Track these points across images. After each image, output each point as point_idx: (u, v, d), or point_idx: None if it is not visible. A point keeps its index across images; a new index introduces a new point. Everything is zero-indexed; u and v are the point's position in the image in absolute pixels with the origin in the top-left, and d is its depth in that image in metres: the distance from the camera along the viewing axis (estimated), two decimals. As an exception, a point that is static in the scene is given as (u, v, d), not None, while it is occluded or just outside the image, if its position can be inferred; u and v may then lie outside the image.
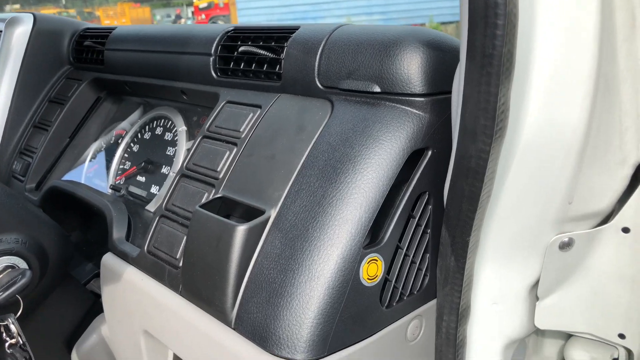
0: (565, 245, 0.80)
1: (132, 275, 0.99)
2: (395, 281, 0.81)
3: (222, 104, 1.04)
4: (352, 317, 0.75)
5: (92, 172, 1.41)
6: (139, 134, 1.36)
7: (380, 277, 0.77)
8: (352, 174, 0.77)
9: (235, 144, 0.95)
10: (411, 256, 0.82)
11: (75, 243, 1.34)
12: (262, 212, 0.83)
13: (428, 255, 0.86)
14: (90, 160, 1.44)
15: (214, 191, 0.92)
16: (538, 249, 0.82)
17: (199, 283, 0.85)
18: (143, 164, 1.24)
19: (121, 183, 1.28)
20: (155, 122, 1.32)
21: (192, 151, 1.02)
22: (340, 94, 0.87)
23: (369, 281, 0.76)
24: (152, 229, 0.99)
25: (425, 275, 0.86)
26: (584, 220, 0.80)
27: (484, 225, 0.81)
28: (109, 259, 1.05)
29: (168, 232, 0.95)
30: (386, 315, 0.80)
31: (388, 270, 0.79)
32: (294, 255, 0.76)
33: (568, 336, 0.99)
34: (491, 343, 0.90)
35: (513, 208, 0.80)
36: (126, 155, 1.35)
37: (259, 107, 0.97)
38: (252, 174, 0.89)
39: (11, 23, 1.49)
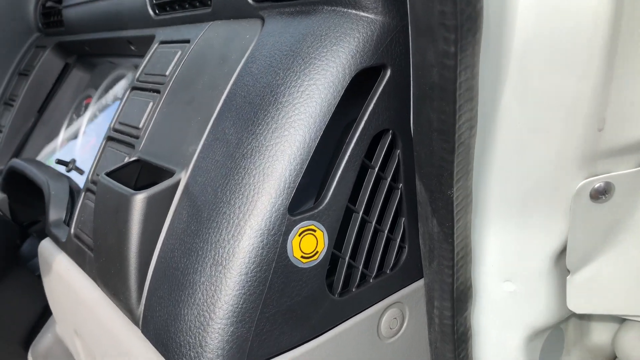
0: (599, 193, 0.54)
1: (62, 264, 0.82)
2: (353, 258, 0.58)
3: (155, 46, 0.83)
4: (284, 313, 0.53)
5: (64, 150, 1.26)
6: (103, 100, 1.18)
7: (322, 254, 0.54)
8: (274, 111, 0.54)
9: (159, 92, 0.74)
10: (373, 222, 0.59)
11: (40, 230, 1.20)
12: (172, 174, 0.62)
13: (404, 219, 0.62)
14: (63, 136, 1.29)
15: (133, 153, 0.72)
16: (561, 200, 0.56)
17: (105, 271, 0.65)
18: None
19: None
20: (116, 84, 1.14)
21: (119, 108, 0.82)
22: (273, 7, 0.64)
23: (305, 260, 0.53)
24: (77, 208, 0.81)
25: (401, 247, 0.62)
26: (624, 155, 0.53)
27: (474, 171, 0.56)
28: (45, 246, 0.89)
29: (91, 210, 0.76)
30: (341, 306, 0.57)
31: (339, 244, 0.56)
32: (199, 231, 0.55)
33: (621, 320, 0.72)
34: (507, 335, 0.66)
35: (516, 142, 0.54)
36: (91, 125, 1.18)
37: (187, 42, 0.75)
38: (169, 126, 0.68)
39: (-31, -9, 1.35)
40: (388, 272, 0.61)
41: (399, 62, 0.56)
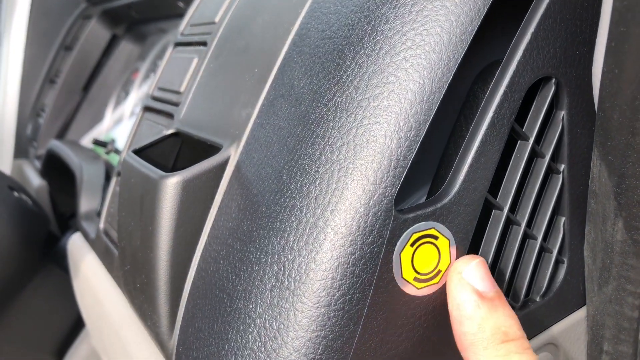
0: None
1: (90, 266, 0.66)
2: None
3: (204, -9, 0.65)
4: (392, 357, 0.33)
5: (110, 130, 1.11)
6: (152, 73, 1.02)
7: (446, 272, 0.34)
8: (371, 46, 0.34)
9: (205, 44, 0.56)
10: (523, 224, 0.38)
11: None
12: (218, 150, 0.43)
13: (564, 220, 0.40)
14: (109, 116, 1.15)
15: (172, 125, 0.54)
16: None
17: (131, 283, 0.48)
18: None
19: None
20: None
21: (158, 72, 0.64)
22: None
23: (421, 285, 0.33)
24: (108, 196, 0.64)
25: (558, 262, 0.41)
26: None
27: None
28: (75, 242, 0.73)
29: (121, 199, 0.59)
30: (471, 353, 0.36)
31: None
32: (254, 234, 0.36)
33: None
34: None
35: None
36: (138, 102, 1.03)
37: (243, -23, 0.56)
38: (217, 86, 0.50)
39: (12, -43, 1.23)
40: (538, 299, 0.40)
41: (574, -33, 0.35)
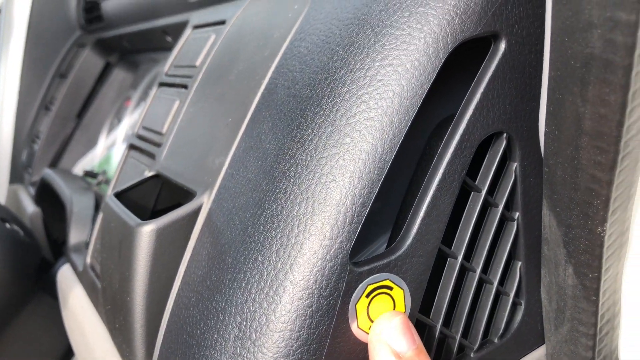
0: None
1: (77, 299, 0.68)
2: (446, 325, 0.39)
3: (188, 32, 0.67)
4: (344, 411, 0.35)
5: (101, 158, 1.13)
6: (142, 102, 1.05)
7: (402, 323, 0.36)
8: (329, 107, 0.36)
9: (186, 87, 0.58)
10: (478, 270, 0.40)
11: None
12: (193, 196, 0.45)
13: (520, 265, 0.42)
14: (102, 143, 1.17)
15: (154, 166, 0.56)
16: None
17: (112, 322, 0.50)
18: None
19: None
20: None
21: (143, 110, 0.67)
22: (330, -33, 0.46)
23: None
24: (94, 230, 0.66)
25: (515, 304, 0.43)
26: None
27: (637, 196, 0.36)
28: (64, 274, 0.75)
29: (107, 235, 0.61)
30: (430, 395, 0.38)
31: (425, 305, 0.38)
32: (221, 284, 0.38)
33: None
34: None
35: None
36: (129, 131, 1.05)
37: (223, 23, 0.59)
38: (195, 131, 0.52)
39: (9, -13, 1.26)
40: (496, 340, 0.42)
41: (519, 30, 0.37)
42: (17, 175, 1.25)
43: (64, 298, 0.72)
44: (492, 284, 0.40)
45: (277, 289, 0.34)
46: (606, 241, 0.36)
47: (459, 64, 0.39)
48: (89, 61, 1.18)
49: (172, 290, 0.43)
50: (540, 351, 0.45)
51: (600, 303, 0.40)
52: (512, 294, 0.42)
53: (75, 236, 0.76)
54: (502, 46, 0.36)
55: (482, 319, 0.40)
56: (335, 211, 0.34)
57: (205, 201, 0.43)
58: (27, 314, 0.85)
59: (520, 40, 0.37)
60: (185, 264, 0.43)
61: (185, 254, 0.43)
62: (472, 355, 0.40)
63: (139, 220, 0.44)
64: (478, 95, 0.36)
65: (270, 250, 0.35)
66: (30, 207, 1.09)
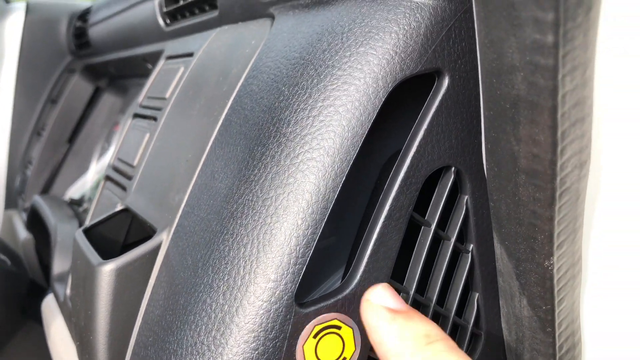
0: None
1: (58, 330, 0.68)
2: None
3: (161, 63, 0.68)
4: None
5: (90, 185, 1.14)
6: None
7: (351, 359, 0.36)
8: (274, 148, 0.37)
9: (156, 119, 0.59)
10: (432, 303, 0.40)
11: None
12: (153, 234, 0.46)
13: (477, 295, 0.42)
14: (93, 168, 1.18)
15: (125, 199, 0.57)
16: None
17: (80, 356, 0.50)
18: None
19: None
20: (141, 108, 1.01)
21: (119, 142, 0.68)
22: (285, 1, 0.47)
23: (325, 374, 0.35)
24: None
25: (474, 335, 0.43)
26: None
27: (585, 228, 0.36)
28: (48, 304, 0.76)
29: (83, 267, 0.62)
30: None
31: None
32: (172, 326, 0.38)
33: None
34: None
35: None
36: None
37: (191, 55, 0.60)
38: (161, 165, 0.52)
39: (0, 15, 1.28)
40: (457, 372, 0.42)
41: (462, 65, 0.37)
42: (11, 200, 1.27)
43: (48, 328, 0.72)
44: (447, 317, 0.40)
45: (224, 332, 0.34)
46: (555, 274, 0.36)
47: (402, 101, 0.40)
48: (79, 86, 1.19)
49: (135, 328, 0.43)
50: (505, 380, 0.45)
51: (557, 334, 0.39)
52: (470, 325, 0.42)
53: (58, 265, 0.76)
54: (446, 82, 0.37)
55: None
56: (279, 253, 0.34)
57: (165, 239, 0.44)
58: (17, 341, 0.85)
59: (464, 75, 0.37)
60: (146, 302, 0.43)
61: (146, 292, 0.44)
62: (430, 388, 0.40)
63: (100, 259, 0.44)
64: (422, 132, 0.36)
65: (218, 293, 0.35)
66: (23, 233, 1.10)
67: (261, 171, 0.36)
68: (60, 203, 0.99)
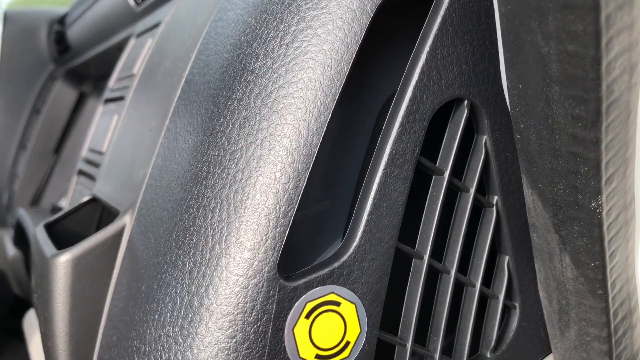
0: None
1: (36, 346, 0.61)
2: (421, 341, 0.32)
3: (132, 42, 0.62)
4: None
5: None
6: (115, 129, 0.99)
7: (358, 346, 0.28)
8: (242, 89, 0.30)
9: (123, 98, 0.52)
10: (452, 271, 0.32)
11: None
12: (115, 217, 0.39)
13: (507, 259, 0.35)
14: (83, 176, 1.12)
15: (93, 188, 0.50)
16: None
17: (47, 373, 0.43)
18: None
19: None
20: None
21: (90, 132, 0.61)
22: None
23: (324, 363, 0.28)
24: (48, 268, 0.60)
25: (508, 308, 0.35)
26: None
27: (638, 155, 0.29)
28: (29, 319, 0.69)
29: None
30: None
31: (389, 318, 0.31)
32: (135, 318, 0.31)
33: None
34: None
35: None
36: (105, 160, 0.99)
37: (157, 25, 0.53)
38: (126, 144, 0.46)
39: (-23, 28, 1.22)
40: (489, 355, 0.34)
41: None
42: (2, 218, 1.20)
43: (29, 344, 0.66)
44: (474, 286, 0.33)
45: (192, 319, 0.27)
46: (605, 219, 0.29)
47: (399, 25, 0.33)
48: (62, 93, 1.13)
49: (100, 328, 0.36)
50: (547, 361, 0.37)
51: (610, 297, 0.32)
52: (501, 296, 0.34)
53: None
54: (448, -7, 0.30)
55: (466, 330, 0.33)
56: (255, 215, 0.27)
57: (128, 221, 0.37)
58: (6, 358, 0.79)
59: (470, -16, 0.30)
60: (110, 296, 0.36)
61: (110, 284, 0.37)
62: (457, 376, 0.33)
63: (54, 251, 0.37)
64: (424, 56, 0.29)
65: (183, 271, 0.28)
66: (11, 250, 1.04)
67: (227, 119, 0.30)
68: (43, 212, 0.93)
